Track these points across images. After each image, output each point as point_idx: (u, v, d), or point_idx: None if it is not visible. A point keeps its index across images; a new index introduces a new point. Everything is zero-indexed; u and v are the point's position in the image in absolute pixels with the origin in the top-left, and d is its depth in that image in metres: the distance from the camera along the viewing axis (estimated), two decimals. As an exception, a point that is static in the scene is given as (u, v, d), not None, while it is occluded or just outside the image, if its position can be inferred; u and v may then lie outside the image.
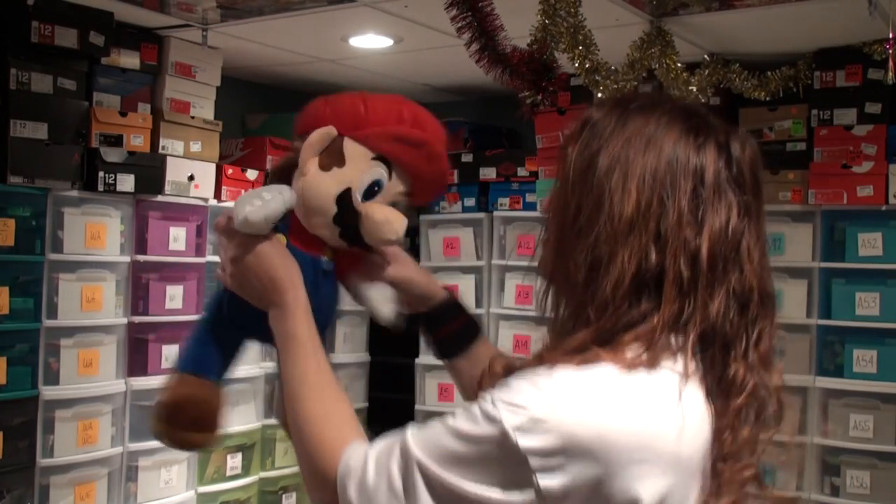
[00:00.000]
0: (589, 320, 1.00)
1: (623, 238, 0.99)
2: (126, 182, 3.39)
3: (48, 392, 3.21)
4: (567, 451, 0.91)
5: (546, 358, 0.98)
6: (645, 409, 0.94)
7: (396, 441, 1.02)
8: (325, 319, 1.30)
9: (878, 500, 3.44)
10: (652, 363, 0.96)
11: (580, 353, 0.97)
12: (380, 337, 4.62)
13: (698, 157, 1.03)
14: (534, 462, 0.91)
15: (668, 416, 0.94)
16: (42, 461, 3.19)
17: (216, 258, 3.78)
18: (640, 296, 0.99)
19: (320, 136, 1.24)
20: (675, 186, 1.01)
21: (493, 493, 0.93)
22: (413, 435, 1.01)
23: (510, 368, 1.03)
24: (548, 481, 0.91)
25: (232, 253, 1.24)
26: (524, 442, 0.91)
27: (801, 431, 3.50)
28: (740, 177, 1.05)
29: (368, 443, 1.08)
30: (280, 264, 1.23)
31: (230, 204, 3.85)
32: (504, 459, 0.92)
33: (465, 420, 0.96)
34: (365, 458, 1.04)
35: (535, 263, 1.11)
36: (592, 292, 1.00)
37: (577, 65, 2.97)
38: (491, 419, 0.93)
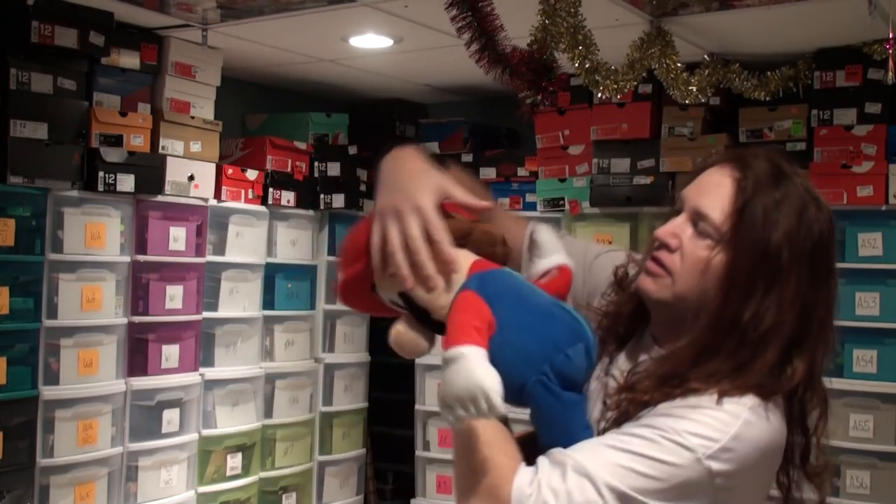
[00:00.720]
0: (743, 364, 1.20)
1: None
2: (126, 182, 3.39)
3: (48, 392, 3.21)
4: (744, 469, 1.15)
5: (704, 390, 1.17)
6: (780, 429, 1.23)
7: (566, 466, 1.11)
8: None
9: (878, 500, 3.44)
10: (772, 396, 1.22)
11: (737, 390, 1.18)
12: (380, 337, 4.62)
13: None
14: (719, 482, 1.13)
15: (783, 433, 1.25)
16: (42, 461, 3.20)
17: (216, 258, 3.81)
18: (783, 353, 1.24)
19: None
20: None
21: None
22: (591, 461, 1.12)
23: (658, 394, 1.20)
24: (724, 494, 1.15)
25: None
26: (716, 467, 1.13)
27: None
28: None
29: (531, 468, 1.14)
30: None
31: (230, 204, 3.85)
32: (695, 483, 1.13)
33: (656, 450, 1.13)
34: (539, 485, 1.11)
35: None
36: (754, 348, 1.21)
37: (577, 65, 2.97)
38: (686, 448, 1.12)
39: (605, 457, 1.12)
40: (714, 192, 1.25)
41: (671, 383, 1.19)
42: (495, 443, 1.15)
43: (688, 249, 1.25)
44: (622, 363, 1.32)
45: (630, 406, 1.20)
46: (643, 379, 1.21)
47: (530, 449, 1.18)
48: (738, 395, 1.17)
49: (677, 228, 1.26)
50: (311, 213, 4.27)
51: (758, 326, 1.20)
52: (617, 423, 1.20)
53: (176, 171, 3.61)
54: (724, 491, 1.15)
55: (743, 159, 1.27)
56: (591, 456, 1.12)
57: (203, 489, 3.77)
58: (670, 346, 1.25)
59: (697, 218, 1.25)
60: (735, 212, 1.22)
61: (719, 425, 1.14)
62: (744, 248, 1.21)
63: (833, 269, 1.28)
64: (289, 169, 4.15)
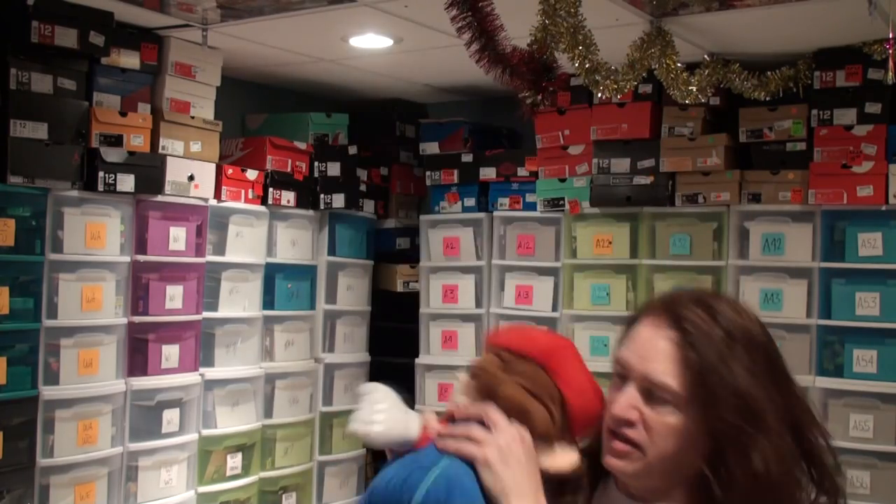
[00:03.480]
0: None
1: None
2: (126, 182, 3.39)
3: (48, 392, 3.21)
4: None
5: None
6: None
7: None
8: None
9: (878, 500, 3.44)
10: None
11: None
12: (380, 337, 4.63)
13: None
14: None
15: None
16: (42, 461, 3.19)
17: (216, 258, 3.81)
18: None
19: None
20: None
21: None
22: None
23: None
24: None
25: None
26: None
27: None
28: None
29: None
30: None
31: (230, 204, 3.86)
32: None
33: None
34: None
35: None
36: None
37: (577, 65, 2.97)
38: None
39: None
40: (658, 357, 1.25)
41: None
42: None
43: (651, 420, 1.24)
44: None
45: None
46: None
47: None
48: None
49: (633, 400, 1.25)
50: (311, 213, 4.27)
51: (770, 467, 1.21)
52: None
53: (176, 171, 3.61)
54: None
55: (673, 311, 1.27)
56: None
57: (203, 489, 3.77)
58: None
59: (650, 386, 1.24)
60: (693, 374, 1.22)
61: None
62: (721, 405, 1.20)
63: (788, 371, 1.30)
64: (289, 169, 4.15)
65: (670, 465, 1.24)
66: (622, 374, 1.29)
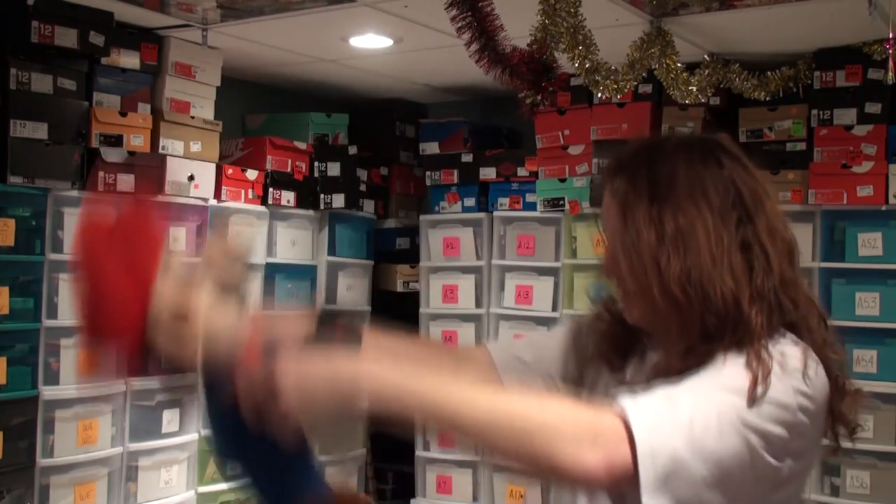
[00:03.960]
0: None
1: None
2: (126, 182, 3.39)
3: (48, 392, 3.21)
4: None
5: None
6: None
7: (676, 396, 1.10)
8: None
9: (878, 500, 3.44)
10: None
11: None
12: (380, 337, 4.62)
13: None
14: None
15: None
16: (42, 461, 3.19)
17: (216, 258, 3.80)
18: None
19: None
20: None
21: None
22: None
23: None
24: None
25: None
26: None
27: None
28: None
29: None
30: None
31: (230, 204, 3.85)
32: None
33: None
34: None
35: None
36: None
37: (577, 65, 2.97)
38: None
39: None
40: (607, 212, 1.28)
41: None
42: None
43: (621, 263, 1.25)
44: (630, 375, 1.31)
45: None
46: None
47: None
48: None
49: (607, 258, 1.28)
50: (311, 213, 4.27)
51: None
52: None
53: (176, 171, 3.60)
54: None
55: (608, 170, 1.31)
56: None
57: (203, 489, 3.76)
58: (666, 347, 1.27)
59: (606, 234, 1.28)
60: (618, 201, 1.25)
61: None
62: (634, 206, 1.22)
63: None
64: (289, 169, 4.15)
65: (644, 289, 1.22)
66: None
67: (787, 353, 1.15)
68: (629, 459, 1.04)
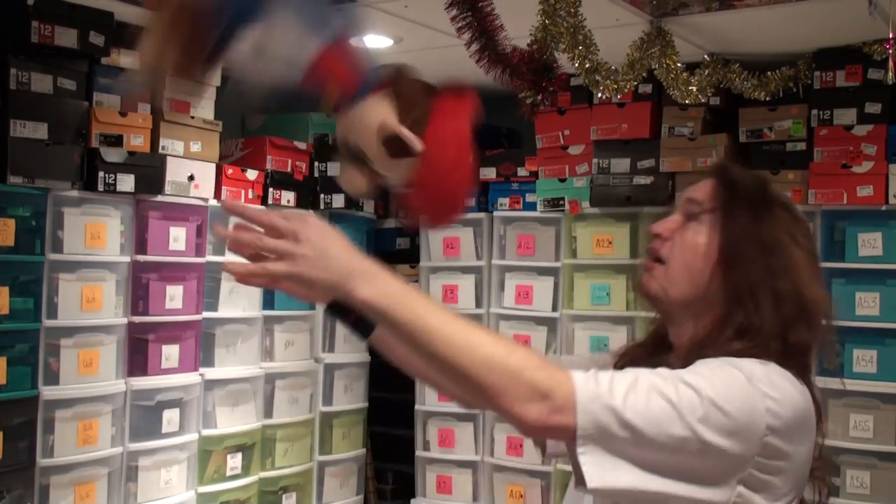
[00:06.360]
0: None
1: None
2: (126, 182, 3.39)
3: (48, 392, 3.21)
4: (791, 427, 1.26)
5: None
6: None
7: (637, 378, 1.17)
8: None
9: (878, 500, 3.44)
10: None
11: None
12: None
13: None
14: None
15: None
16: (42, 461, 3.19)
17: (216, 258, 3.80)
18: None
19: None
20: None
21: None
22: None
23: None
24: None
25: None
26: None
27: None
28: None
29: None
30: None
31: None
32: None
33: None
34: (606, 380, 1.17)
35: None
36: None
37: (577, 65, 2.97)
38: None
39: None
40: (701, 186, 1.40)
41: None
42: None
43: (679, 235, 1.37)
44: None
45: None
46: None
47: None
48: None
49: (671, 221, 1.40)
50: (311, 213, 4.26)
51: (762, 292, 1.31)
52: None
53: (176, 171, 3.61)
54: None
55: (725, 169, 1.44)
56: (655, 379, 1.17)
57: (203, 489, 3.77)
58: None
59: (688, 204, 1.39)
60: (724, 189, 1.36)
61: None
62: (735, 221, 1.33)
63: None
64: (289, 169, 4.15)
65: (687, 282, 1.34)
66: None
67: (776, 380, 1.23)
68: (571, 428, 1.12)
